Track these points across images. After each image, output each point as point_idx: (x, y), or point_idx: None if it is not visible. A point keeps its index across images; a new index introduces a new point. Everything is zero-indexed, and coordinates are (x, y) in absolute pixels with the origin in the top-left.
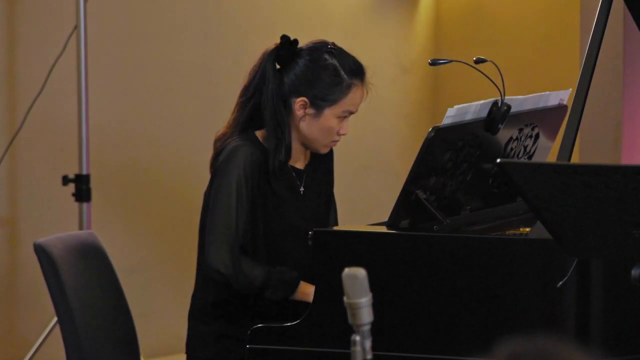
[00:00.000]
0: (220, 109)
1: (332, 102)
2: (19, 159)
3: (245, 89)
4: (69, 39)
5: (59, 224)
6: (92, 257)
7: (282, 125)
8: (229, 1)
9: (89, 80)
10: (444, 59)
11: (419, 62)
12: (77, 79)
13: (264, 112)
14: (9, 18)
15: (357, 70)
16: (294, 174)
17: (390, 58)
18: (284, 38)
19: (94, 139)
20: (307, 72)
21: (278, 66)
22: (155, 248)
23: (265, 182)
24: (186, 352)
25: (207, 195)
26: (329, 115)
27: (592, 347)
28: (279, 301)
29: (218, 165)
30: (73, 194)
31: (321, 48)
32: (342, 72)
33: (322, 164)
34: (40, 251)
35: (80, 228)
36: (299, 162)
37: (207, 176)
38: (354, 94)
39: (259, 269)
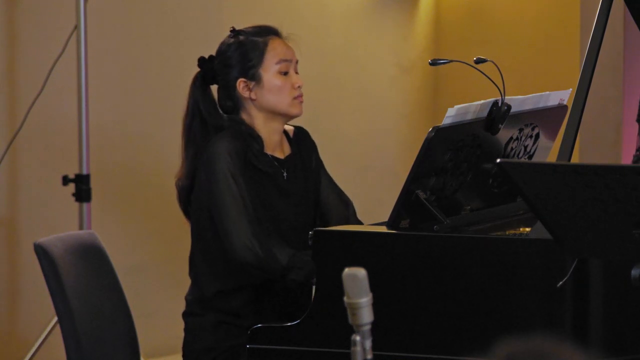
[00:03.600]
0: None
1: (260, 63)
2: (19, 159)
3: (186, 127)
4: (69, 39)
5: (59, 224)
6: (92, 257)
7: (235, 121)
8: (229, 1)
9: (89, 80)
10: (444, 59)
11: (419, 62)
12: (77, 79)
13: (217, 124)
14: (9, 18)
15: (264, 30)
16: (275, 163)
17: (390, 58)
18: (200, 59)
19: (94, 139)
20: (228, 61)
21: (217, 85)
22: (155, 248)
23: (249, 170)
24: (183, 349)
25: (199, 206)
26: (268, 75)
27: (592, 347)
28: (300, 283)
29: (204, 167)
30: (73, 194)
31: (225, 40)
32: (252, 38)
33: (304, 153)
34: (40, 251)
35: (80, 228)
36: (277, 151)
37: None
38: (273, 46)
39: (285, 250)
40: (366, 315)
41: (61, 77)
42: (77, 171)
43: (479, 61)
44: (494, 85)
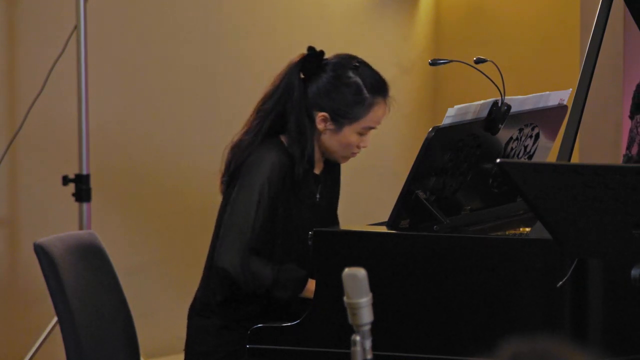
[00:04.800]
0: (220, 110)
1: (353, 119)
2: (19, 159)
3: (269, 97)
4: (69, 39)
5: (59, 224)
6: (92, 257)
7: (305, 135)
8: (230, 2)
9: (89, 80)
10: (444, 59)
11: (419, 62)
12: (77, 79)
13: (289, 121)
14: (9, 18)
15: (380, 88)
16: (313, 182)
17: (390, 58)
18: (311, 50)
19: (94, 139)
20: (329, 87)
21: (302, 76)
22: (155, 248)
23: (289, 188)
24: (185, 349)
25: (228, 195)
26: (349, 131)
27: (592, 347)
28: (287, 299)
29: (245, 168)
30: (73, 194)
31: (346, 64)
32: (365, 90)
33: (332, 173)
34: (40, 251)
35: (80, 228)
36: (316, 167)
37: (207, 176)
38: (375, 112)
39: (267, 268)
40: (366, 315)
41: (61, 77)
42: (77, 171)
43: (479, 61)
44: (494, 85)
